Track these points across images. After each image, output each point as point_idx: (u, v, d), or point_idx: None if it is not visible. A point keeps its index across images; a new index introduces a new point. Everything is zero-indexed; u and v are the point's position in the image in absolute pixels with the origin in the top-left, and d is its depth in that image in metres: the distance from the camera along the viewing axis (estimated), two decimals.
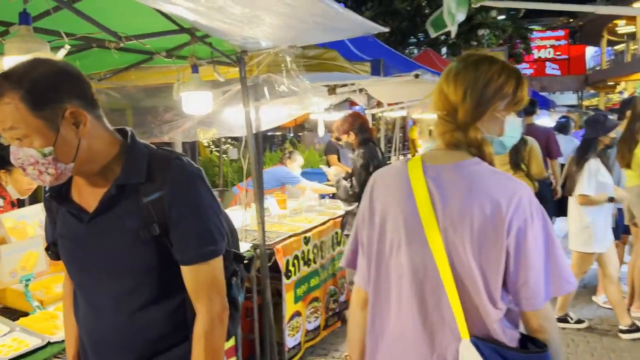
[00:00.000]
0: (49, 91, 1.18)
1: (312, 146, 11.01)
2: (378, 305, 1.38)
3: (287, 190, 5.49)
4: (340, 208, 4.64)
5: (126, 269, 1.32)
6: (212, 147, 9.69)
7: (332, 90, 3.35)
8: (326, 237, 4.41)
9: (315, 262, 4.20)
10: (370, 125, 5.39)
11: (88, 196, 1.34)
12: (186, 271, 1.32)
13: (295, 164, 5.75)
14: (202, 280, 1.32)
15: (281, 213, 4.62)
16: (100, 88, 4.11)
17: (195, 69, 3.03)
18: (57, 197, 1.36)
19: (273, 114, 3.55)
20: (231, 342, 3.36)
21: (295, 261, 3.89)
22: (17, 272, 2.18)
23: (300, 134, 15.87)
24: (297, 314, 3.95)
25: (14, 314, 2.25)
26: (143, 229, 1.28)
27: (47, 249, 1.48)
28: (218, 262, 1.35)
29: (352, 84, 3.47)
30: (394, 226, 1.32)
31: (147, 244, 1.28)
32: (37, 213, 2.60)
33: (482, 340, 1.21)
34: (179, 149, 6.75)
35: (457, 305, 1.22)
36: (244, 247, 3.49)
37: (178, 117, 3.88)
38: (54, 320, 2.10)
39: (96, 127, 1.28)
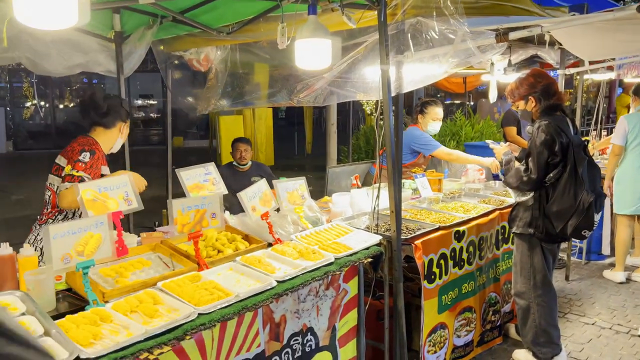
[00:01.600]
0: None
1: (489, 115, 9.61)
2: None
3: (446, 167, 4.57)
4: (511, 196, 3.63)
5: None
6: (374, 114, 9.00)
7: (502, 36, 2.38)
8: (488, 232, 3.46)
9: (470, 264, 3.31)
10: (562, 89, 4.16)
11: None
12: None
13: (428, 117, 4.36)
14: None
15: (433, 196, 3.77)
16: (235, 44, 3.73)
17: (312, 9, 2.34)
18: None
19: (420, 71, 2.72)
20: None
21: (442, 261, 3.06)
22: (71, 258, 1.82)
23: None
24: (442, 326, 3.14)
25: (76, 304, 1.92)
26: None
27: None
28: None
29: (534, 27, 2.43)
30: None
31: None
32: (123, 184, 2.25)
33: None
34: (333, 115, 6.10)
35: None
36: (374, 238, 2.79)
37: (307, 75, 3.27)
38: (103, 324, 1.69)
39: None
